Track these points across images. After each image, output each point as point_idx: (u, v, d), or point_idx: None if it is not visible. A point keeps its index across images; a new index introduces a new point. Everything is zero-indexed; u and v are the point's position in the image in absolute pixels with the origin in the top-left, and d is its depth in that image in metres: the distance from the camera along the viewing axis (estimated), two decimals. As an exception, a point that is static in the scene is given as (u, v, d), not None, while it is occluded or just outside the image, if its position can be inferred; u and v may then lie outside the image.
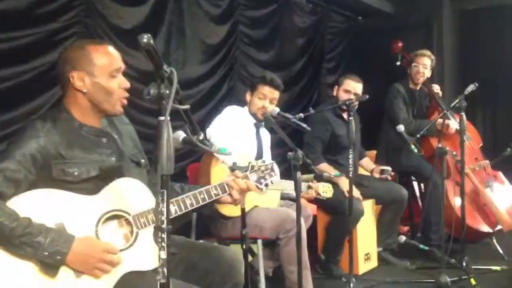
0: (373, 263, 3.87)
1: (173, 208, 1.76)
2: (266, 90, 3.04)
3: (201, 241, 2.81)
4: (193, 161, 3.20)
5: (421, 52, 4.33)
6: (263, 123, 3.17)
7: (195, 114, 3.53)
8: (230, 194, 1.95)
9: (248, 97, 3.12)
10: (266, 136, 3.23)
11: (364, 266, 3.76)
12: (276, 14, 4.43)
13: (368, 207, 3.81)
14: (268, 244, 2.96)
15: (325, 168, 3.60)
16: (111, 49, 1.80)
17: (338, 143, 3.75)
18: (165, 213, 1.27)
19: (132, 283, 1.66)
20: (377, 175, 3.93)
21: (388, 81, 5.21)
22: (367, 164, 4.05)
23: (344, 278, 3.23)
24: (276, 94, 3.07)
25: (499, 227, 4.05)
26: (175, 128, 2.71)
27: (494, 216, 4.05)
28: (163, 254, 1.27)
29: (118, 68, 1.78)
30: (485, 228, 4.06)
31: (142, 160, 1.96)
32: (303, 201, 3.93)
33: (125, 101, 1.81)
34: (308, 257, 3.02)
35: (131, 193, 1.75)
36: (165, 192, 1.27)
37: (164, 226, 1.28)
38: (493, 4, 5.28)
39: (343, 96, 3.73)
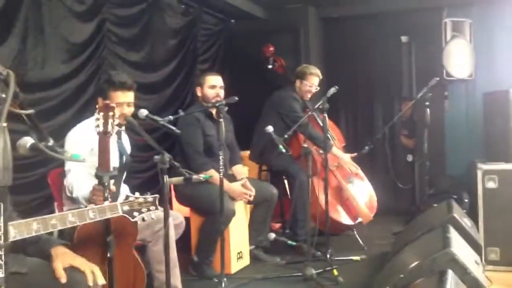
0: (246, 261, 3.97)
1: (13, 231, 1.60)
2: (119, 96, 2.79)
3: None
4: (54, 167, 2.99)
5: (314, 72, 4.46)
6: (123, 128, 3.00)
7: (56, 118, 3.31)
8: None
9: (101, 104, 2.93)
10: (126, 140, 3.10)
11: (236, 264, 3.83)
12: (146, 13, 4.32)
13: (240, 206, 3.89)
14: (138, 249, 2.88)
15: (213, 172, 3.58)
16: None
17: (210, 144, 3.78)
18: (1, 228, 1.17)
19: None
20: None
21: (260, 83, 5.39)
22: (238, 173, 4.01)
23: (216, 278, 3.27)
24: (131, 96, 2.85)
25: (359, 219, 4.39)
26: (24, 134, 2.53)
27: (355, 210, 4.39)
28: (0, 273, 1.17)
29: None
30: (347, 221, 4.37)
31: None
32: (177, 208, 3.94)
33: None
34: (181, 259, 3.02)
35: None
36: (1, 205, 1.17)
37: (1, 242, 1.17)
38: (354, 13, 5.70)
39: (210, 92, 3.79)
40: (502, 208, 3.87)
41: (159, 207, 2.34)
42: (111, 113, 2.23)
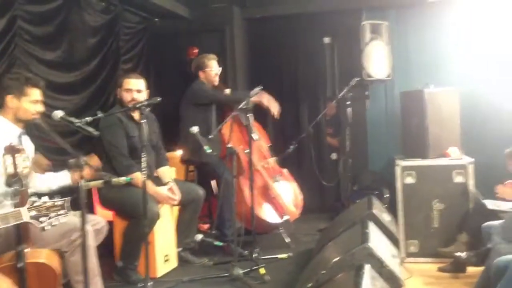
0: (173, 263, 3.90)
1: None
2: (36, 93, 2.77)
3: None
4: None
5: (211, 56, 4.47)
6: (23, 132, 2.82)
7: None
8: None
9: (11, 101, 2.73)
10: (29, 144, 2.92)
11: (163, 267, 3.76)
12: (63, 10, 4.12)
13: (166, 209, 3.82)
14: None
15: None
16: None
17: (134, 146, 3.67)
18: None
19: None
20: None
21: (187, 83, 5.32)
22: (163, 175, 3.92)
23: (141, 283, 3.18)
24: (40, 94, 2.83)
25: (286, 217, 4.45)
26: None
27: (281, 208, 4.44)
28: None
29: None
30: (274, 219, 4.41)
31: None
32: (100, 212, 3.79)
33: None
34: (104, 265, 2.93)
35: None
36: None
37: None
38: (278, 14, 5.77)
39: (126, 96, 3.72)
40: (420, 202, 4.06)
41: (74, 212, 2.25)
42: (18, 155, 2.10)
